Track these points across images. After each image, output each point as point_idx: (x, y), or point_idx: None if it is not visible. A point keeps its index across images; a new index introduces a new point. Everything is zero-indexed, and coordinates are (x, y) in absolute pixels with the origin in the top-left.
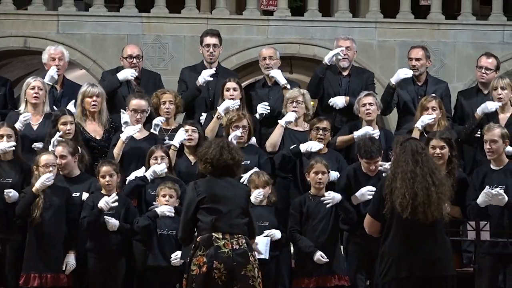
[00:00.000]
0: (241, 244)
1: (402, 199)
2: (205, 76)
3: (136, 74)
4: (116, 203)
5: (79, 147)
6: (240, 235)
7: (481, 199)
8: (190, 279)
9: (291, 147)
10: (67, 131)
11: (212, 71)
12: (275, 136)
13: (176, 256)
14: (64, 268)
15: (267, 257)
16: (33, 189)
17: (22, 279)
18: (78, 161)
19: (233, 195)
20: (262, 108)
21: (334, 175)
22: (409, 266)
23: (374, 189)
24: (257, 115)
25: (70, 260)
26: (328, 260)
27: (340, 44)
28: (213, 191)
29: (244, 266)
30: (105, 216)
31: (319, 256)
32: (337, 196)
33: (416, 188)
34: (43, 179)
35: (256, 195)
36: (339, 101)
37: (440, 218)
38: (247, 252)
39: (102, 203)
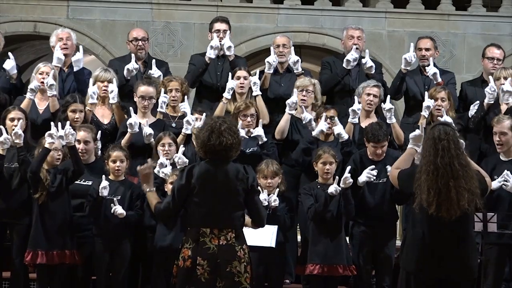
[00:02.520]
0: (229, 239)
1: (427, 194)
2: (212, 44)
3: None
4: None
5: None
6: (230, 229)
7: (495, 184)
8: (177, 270)
9: (306, 139)
10: (75, 119)
11: (216, 40)
12: (283, 123)
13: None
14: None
15: (273, 246)
16: (45, 144)
17: (28, 256)
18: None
19: (227, 187)
20: (272, 59)
21: (339, 129)
22: (428, 265)
23: (375, 171)
24: (266, 68)
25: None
26: (338, 190)
27: (350, 33)
28: (206, 181)
29: (229, 262)
30: (112, 204)
31: (332, 190)
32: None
33: (440, 183)
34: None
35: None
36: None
37: (464, 215)
38: (234, 248)
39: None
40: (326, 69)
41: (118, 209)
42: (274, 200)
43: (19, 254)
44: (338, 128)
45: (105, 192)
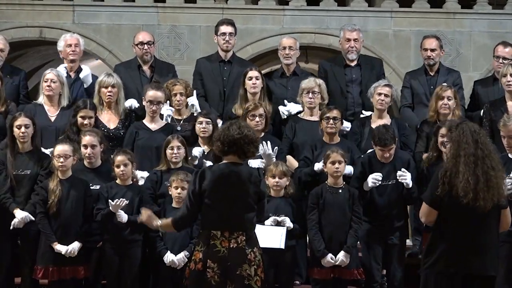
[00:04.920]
0: (239, 242)
1: (465, 183)
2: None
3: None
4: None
5: None
6: (240, 232)
7: None
8: (189, 272)
9: (304, 171)
10: (84, 125)
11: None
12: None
13: None
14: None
15: (283, 247)
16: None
17: (39, 272)
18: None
19: (239, 190)
20: (283, 113)
21: (348, 169)
22: (459, 262)
23: (380, 177)
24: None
25: (73, 247)
26: (336, 262)
27: (347, 36)
28: (218, 184)
29: (239, 265)
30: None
31: (329, 259)
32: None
33: (478, 172)
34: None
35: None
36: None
37: (495, 208)
38: (244, 251)
39: (112, 207)
40: (321, 77)
41: (121, 215)
42: (288, 227)
43: (27, 261)
44: (348, 169)
45: (124, 219)
